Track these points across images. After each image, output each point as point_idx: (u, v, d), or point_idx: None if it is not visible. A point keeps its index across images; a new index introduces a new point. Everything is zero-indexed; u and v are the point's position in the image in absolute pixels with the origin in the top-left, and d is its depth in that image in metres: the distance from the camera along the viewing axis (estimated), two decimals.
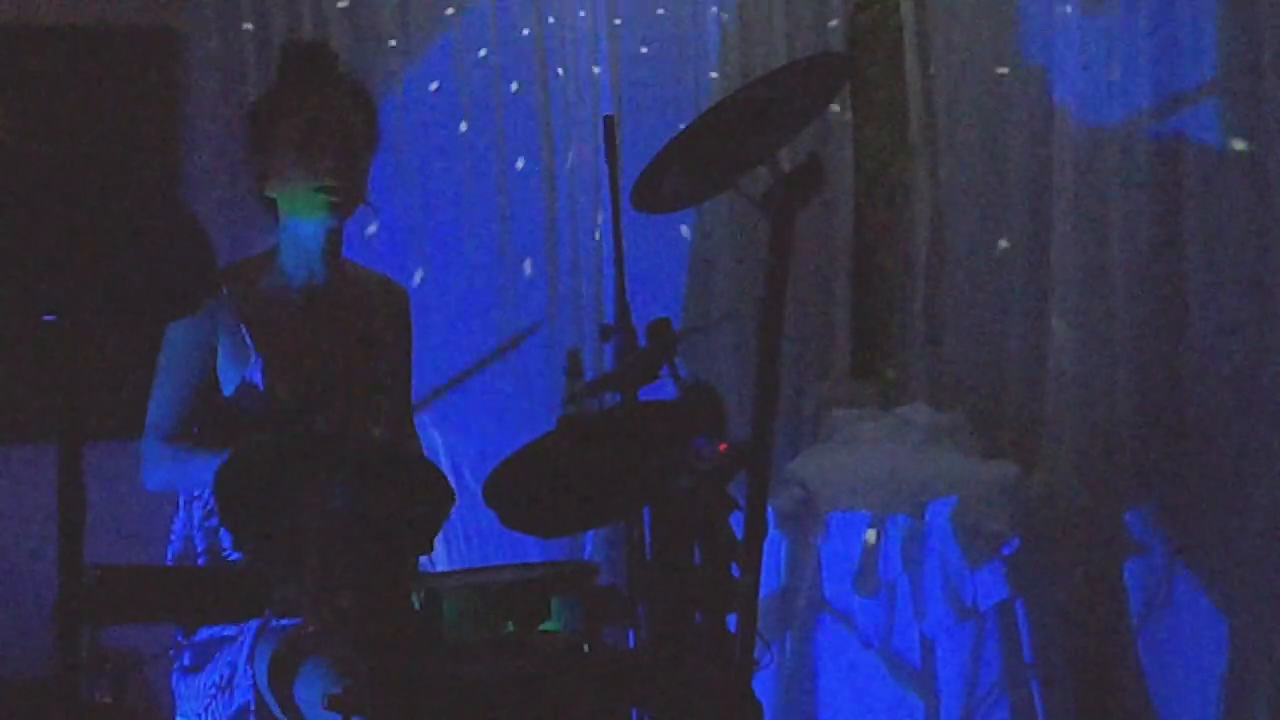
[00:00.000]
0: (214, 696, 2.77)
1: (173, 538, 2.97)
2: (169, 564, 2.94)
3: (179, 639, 2.85)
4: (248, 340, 2.90)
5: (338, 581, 2.26)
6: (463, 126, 4.30)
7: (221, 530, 2.88)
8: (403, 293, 3.19)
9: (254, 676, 2.70)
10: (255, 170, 3.02)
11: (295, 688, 2.61)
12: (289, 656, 2.64)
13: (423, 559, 2.74)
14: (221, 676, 2.76)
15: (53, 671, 2.02)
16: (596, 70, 4.30)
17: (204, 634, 2.83)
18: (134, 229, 2.11)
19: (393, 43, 4.22)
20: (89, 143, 4.25)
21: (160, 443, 2.92)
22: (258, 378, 2.88)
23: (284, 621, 2.68)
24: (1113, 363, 3.66)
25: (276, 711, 2.69)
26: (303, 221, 2.97)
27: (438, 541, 2.43)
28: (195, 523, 2.92)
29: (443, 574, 2.66)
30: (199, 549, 2.91)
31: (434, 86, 4.29)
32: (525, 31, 4.31)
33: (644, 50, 4.35)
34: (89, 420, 2.09)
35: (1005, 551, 3.49)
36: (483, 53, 4.31)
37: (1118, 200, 3.65)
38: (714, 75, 4.34)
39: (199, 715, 2.78)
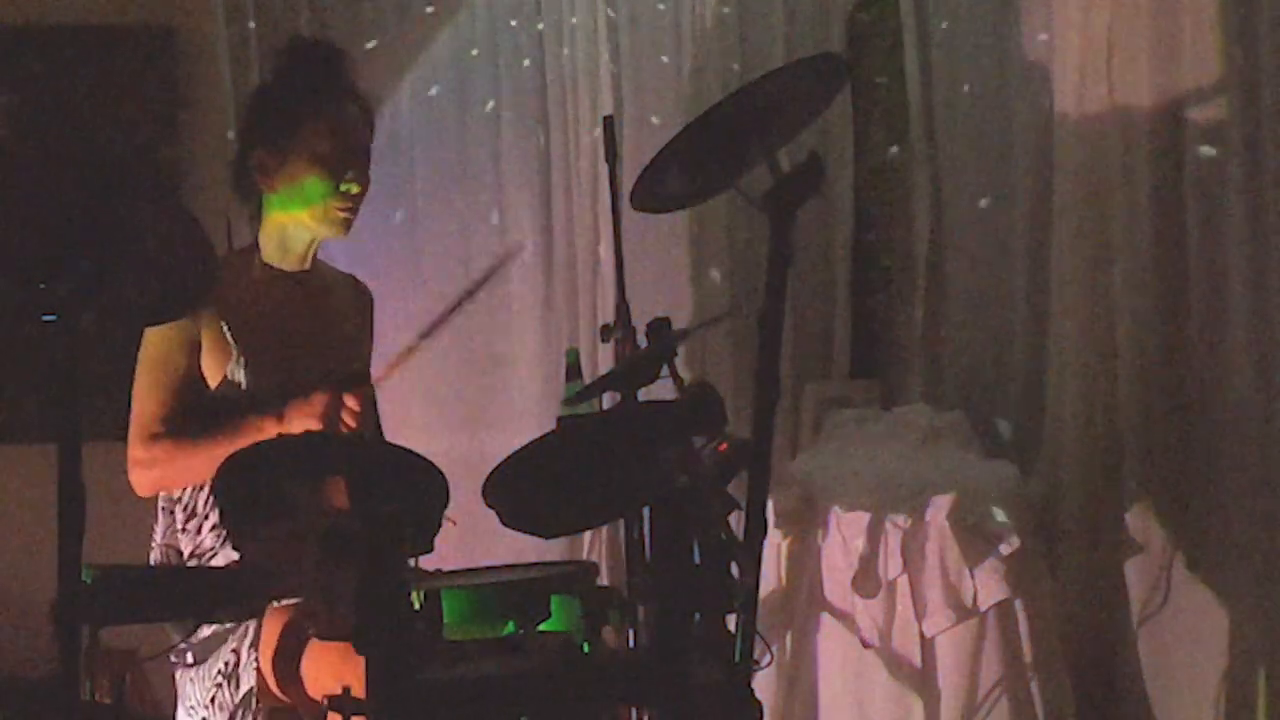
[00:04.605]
0: (219, 685, 2.76)
1: (153, 544, 2.96)
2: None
3: (179, 642, 2.84)
4: (229, 337, 2.89)
5: (338, 582, 2.26)
6: (463, 127, 4.30)
7: (204, 532, 2.87)
8: (368, 292, 3.22)
9: (257, 659, 2.71)
10: (254, 163, 2.98)
11: (302, 664, 2.62)
12: (293, 633, 2.65)
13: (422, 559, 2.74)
14: (226, 664, 2.76)
15: (53, 671, 2.02)
16: (596, 70, 4.30)
17: (204, 630, 2.82)
18: (133, 229, 2.10)
19: (379, 43, 4.21)
20: (89, 143, 4.25)
21: (150, 444, 2.86)
22: (240, 374, 2.88)
23: (285, 602, 2.68)
24: (1113, 362, 3.66)
25: (277, 691, 2.70)
26: (298, 224, 2.97)
27: (437, 541, 2.43)
28: (178, 527, 2.91)
29: (443, 574, 2.65)
30: (184, 554, 2.90)
31: (433, 89, 4.29)
32: (524, 36, 4.31)
33: (644, 50, 4.34)
34: (89, 420, 2.09)
35: (1005, 551, 3.49)
36: (475, 52, 4.30)
37: (1118, 200, 3.65)
38: (714, 75, 4.33)
39: (206, 706, 2.78)
